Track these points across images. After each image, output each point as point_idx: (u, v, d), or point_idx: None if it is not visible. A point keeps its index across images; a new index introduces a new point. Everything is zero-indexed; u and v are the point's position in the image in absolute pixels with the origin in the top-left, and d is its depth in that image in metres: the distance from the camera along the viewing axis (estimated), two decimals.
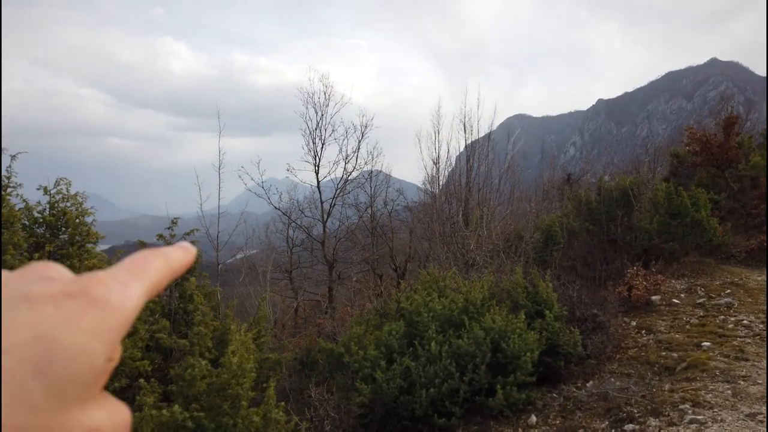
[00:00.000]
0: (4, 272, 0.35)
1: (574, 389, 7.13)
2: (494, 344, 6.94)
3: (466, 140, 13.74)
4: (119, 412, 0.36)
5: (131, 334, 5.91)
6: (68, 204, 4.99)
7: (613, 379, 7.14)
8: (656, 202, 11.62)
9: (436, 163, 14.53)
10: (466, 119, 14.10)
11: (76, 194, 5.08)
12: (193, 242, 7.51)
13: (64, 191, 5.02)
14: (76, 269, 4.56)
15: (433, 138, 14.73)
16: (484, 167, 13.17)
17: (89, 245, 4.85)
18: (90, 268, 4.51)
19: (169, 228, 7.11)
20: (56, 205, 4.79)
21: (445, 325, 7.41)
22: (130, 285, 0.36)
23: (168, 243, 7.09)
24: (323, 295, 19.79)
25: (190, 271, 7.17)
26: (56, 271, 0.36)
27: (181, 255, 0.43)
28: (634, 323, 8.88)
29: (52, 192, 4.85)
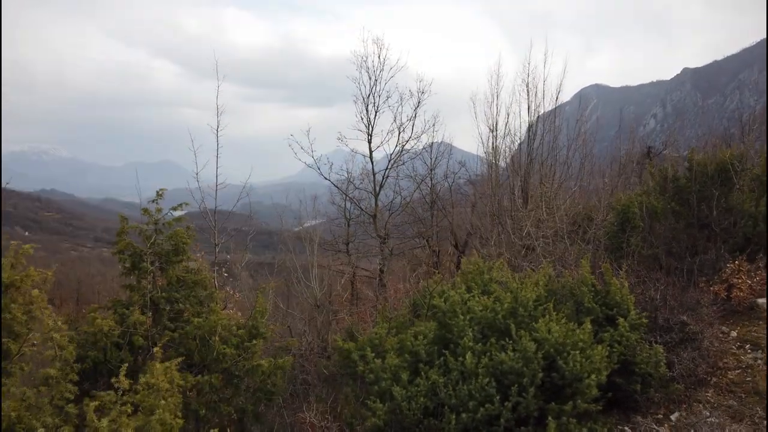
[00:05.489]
0: None
1: (654, 423, 5.48)
2: (548, 360, 5.36)
3: (529, 104, 11.82)
4: None
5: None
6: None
7: (707, 413, 5.43)
8: (764, 181, 9.40)
9: (492, 130, 12.69)
10: (530, 79, 12.12)
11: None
12: (184, 222, 6.34)
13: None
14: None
15: (491, 101, 12.87)
16: (550, 136, 11.26)
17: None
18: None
19: (154, 201, 5.94)
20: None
21: (486, 331, 5.89)
22: None
23: (153, 219, 5.91)
24: (373, 270, 18.81)
25: (180, 252, 6.00)
26: None
27: None
28: (734, 333, 7.00)
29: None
